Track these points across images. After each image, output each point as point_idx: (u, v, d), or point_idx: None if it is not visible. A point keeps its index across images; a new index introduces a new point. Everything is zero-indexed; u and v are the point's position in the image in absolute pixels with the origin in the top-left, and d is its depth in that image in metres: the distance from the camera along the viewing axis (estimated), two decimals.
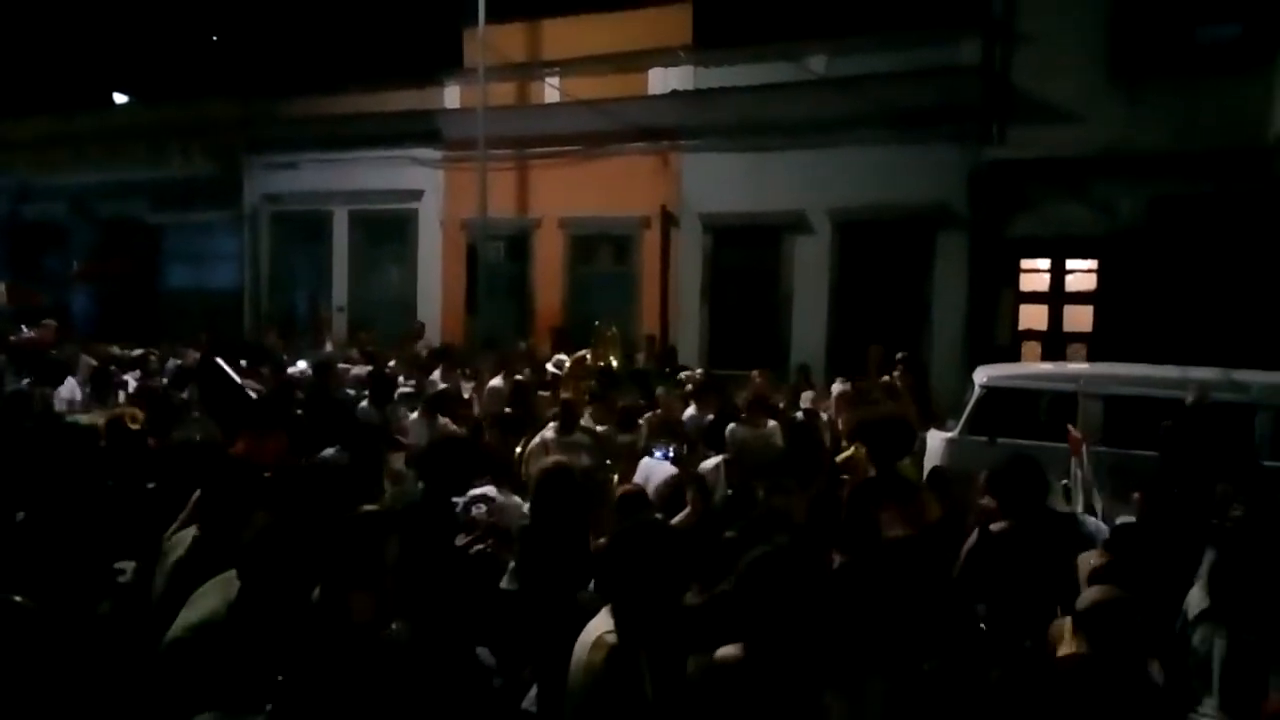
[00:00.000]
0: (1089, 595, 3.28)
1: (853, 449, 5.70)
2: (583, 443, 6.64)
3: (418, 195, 15.57)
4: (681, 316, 13.72)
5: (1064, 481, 5.69)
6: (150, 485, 4.59)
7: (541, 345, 12.77)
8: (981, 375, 8.32)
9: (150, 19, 19.66)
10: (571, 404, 6.96)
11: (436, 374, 9.56)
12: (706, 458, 6.32)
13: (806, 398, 9.56)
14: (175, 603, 3.05)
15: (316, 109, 16.22)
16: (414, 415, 7.49)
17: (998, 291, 11.83)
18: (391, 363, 10.45)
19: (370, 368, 9.60)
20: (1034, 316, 11.88)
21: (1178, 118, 10.55)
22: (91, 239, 18.96)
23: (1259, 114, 10.33)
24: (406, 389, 8.71)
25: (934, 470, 6.17)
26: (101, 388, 8.40)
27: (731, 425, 7.38)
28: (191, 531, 3.58)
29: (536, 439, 6.66)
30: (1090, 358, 10.85)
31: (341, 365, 10.01)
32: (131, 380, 8.99)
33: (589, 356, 8.61)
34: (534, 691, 3.75)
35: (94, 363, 9.32)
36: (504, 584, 4.30)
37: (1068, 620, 3.55)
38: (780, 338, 13.03)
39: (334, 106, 16.01)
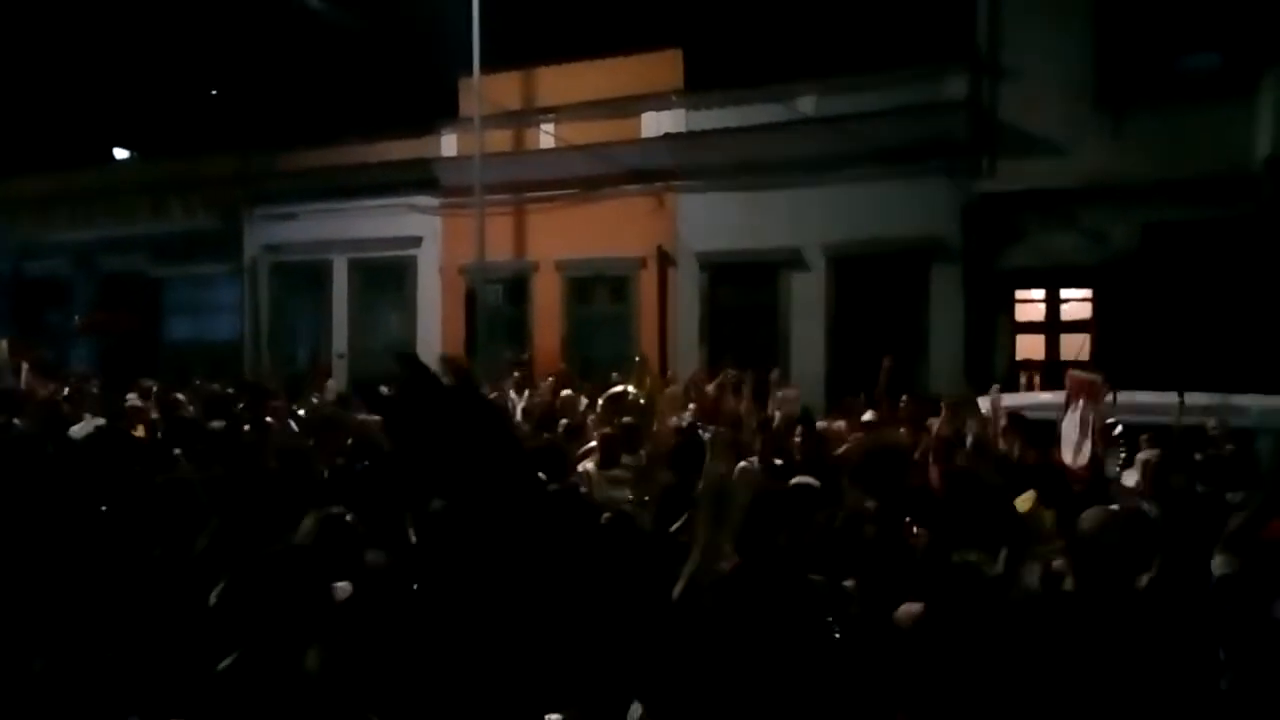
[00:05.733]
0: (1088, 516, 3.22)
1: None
2: (624, 478, 6.28)
3: (416, 242, 15.70)
4: (680, 355, 13.75)
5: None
6: None
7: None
8: (982, 406, 8.29)
9: (149, 76, 20.00)
10: (613, 438, 6.58)
11: None
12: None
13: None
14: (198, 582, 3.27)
15: (315, 160, 16.41)
16: None
17: (993, 322, 11.87)
18: None
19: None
20: (1031, 346, 11.90)
21: (1165, 145, 10.64)
22: (93, 293, 19.11)
23: (1244, 139, 10.44)
24: None
25: None
26: None
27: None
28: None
29: (579, 471, 6.32)
30: None
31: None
32: None
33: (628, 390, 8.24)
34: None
35: None
36: None
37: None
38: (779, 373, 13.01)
39: (332, 157, 16.20)
